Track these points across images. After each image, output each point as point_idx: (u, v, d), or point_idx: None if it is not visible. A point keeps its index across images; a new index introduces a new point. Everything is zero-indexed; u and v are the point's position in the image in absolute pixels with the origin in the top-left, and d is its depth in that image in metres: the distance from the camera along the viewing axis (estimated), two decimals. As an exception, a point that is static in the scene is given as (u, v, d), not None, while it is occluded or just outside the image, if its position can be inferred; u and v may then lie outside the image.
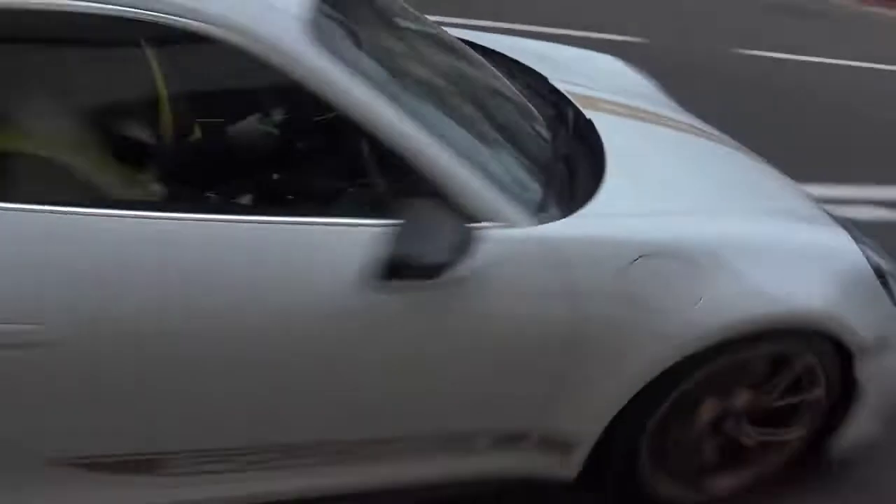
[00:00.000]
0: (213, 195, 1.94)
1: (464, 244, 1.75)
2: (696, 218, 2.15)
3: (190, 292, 1.68)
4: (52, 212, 1.63)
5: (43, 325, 1.61)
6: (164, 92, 2.01)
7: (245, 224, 1.73)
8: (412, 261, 1.72)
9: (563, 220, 1.95)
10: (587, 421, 2.13)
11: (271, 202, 1.98)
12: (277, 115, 2.20)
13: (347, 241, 1.77)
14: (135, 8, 1.69)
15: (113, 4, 1.69)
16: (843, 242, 2.34)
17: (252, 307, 1.72)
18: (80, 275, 1.63)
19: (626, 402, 2.09)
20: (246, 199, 2.00)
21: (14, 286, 1.60)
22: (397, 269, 1.73)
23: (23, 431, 1.74)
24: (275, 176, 2.04)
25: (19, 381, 1.65)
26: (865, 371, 2.34)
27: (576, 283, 1.94)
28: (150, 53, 2.00)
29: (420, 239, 1.73)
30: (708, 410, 2.31)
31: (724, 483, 2.44)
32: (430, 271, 1.74)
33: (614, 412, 2.10)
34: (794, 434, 2.42)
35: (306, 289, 1.75)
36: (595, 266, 1.93)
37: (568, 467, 2.20)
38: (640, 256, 1.98)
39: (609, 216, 2.01)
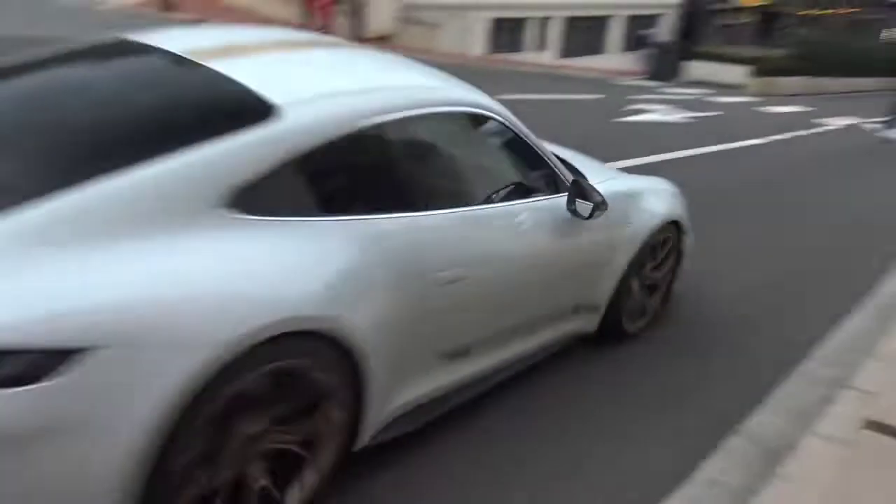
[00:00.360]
0: (494, 196, 3.60)
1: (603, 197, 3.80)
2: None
3: (501, 253, 3.41)
4: (478, 211, 3.40)
5: (467, 269, 3.18)
6: (473, 154, 3.73)
7: (513, 208, 3.55)
8: (603, 206, 3.69)
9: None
10: (605, 292, 4.27)
11: (520, 196, 3.67)
12: (510, 152, 3.82)
13: (559, 205, 3.73)
14: (461, 106, 3.41)
15: (449, 106, 3.34)
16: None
17: (536, 261, 3.62)
18: (478, 244, 3.29)
19: (617, 280, 4.27)
20: (507, 197, 3.62)
21: (461, 252, 3.18)
22: (598, 209, 3.72)
23: (437, 335, 3.14)
24: (516, 183, 3.76)
25: (452, 302, 3.12)
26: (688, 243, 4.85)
27: (610, 228, 4.08)
28: (466, 131, 3.59)
29: (596, 196, 3.70)
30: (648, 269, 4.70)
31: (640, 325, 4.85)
32: (605, 208, 3.76)
33: (614, 286, 4.26)
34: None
35: (552, 235, 3.70)
36: (610, 216, 4.17)
37: (594, 324, 4.37)
38: None
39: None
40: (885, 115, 16.86)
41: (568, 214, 3.83)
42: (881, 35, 42.52)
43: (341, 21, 20.04)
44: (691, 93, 21.15)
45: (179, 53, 3.11)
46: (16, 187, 2.36)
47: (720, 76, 27.74)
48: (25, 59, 3.20)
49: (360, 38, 19.22)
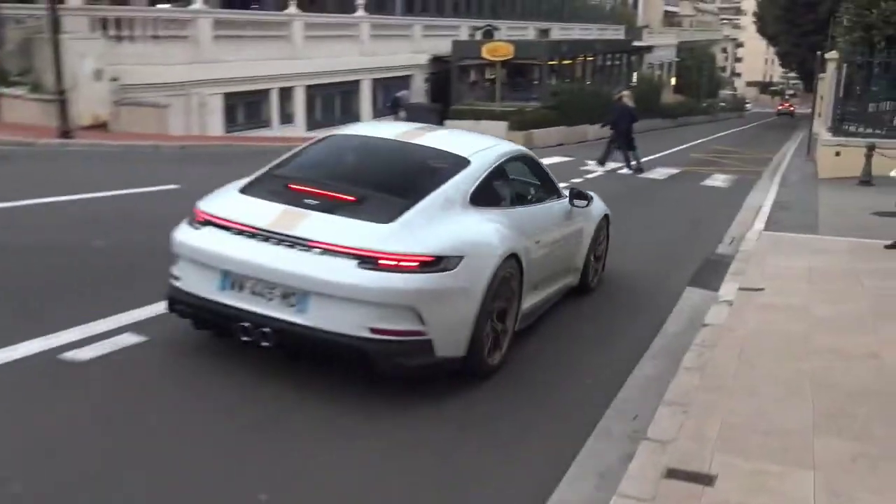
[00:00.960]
0: (538, 198, 7.74)
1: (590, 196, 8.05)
2: None
3: (549, 228, 7.44)
4: (537, 206, 7.71)
5: (539, 236, 7.08)
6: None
7: (547, 205, 7.70)
8: (591, 200, 8.09)
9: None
10: (581, 259, 8.34)
11: (547, 199, 7.72)
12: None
13: (566, 204, 7.94)
14: (516, 151, 7.73)
15: (514, 151, 7.66)
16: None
17: (558, 236, 7.60)
18: (541, 223, 7.28)
19: (586, 250, 8.37)
20: (541, 199, 7.68)
21: (536, 226, 7.11)
22: (589, 202, 8.07)
23: (538, 277, 7.07)
24: (544, 191, 7.93)
25: (536, 255, 6.90)
26: None
27: (584, 217, 8.21)
28: (521, 163, 7.80)
29: (588, 194, 8.01)
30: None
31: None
32: (590, 200, 8.03)
33: (584, 254, 8.33)
34: None
35: (563, 219, 7.80)
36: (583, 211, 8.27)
37: (577, 280, 8.38)
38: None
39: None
40: (620, 160, 21.00)
41: (570, 209, 8.04)
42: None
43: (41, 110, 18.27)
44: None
45: (395, 139, 7.12)
46: (396, 200, 6.09)
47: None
48: (318, 146, 7.27)
49: (68, 130, 17.25)
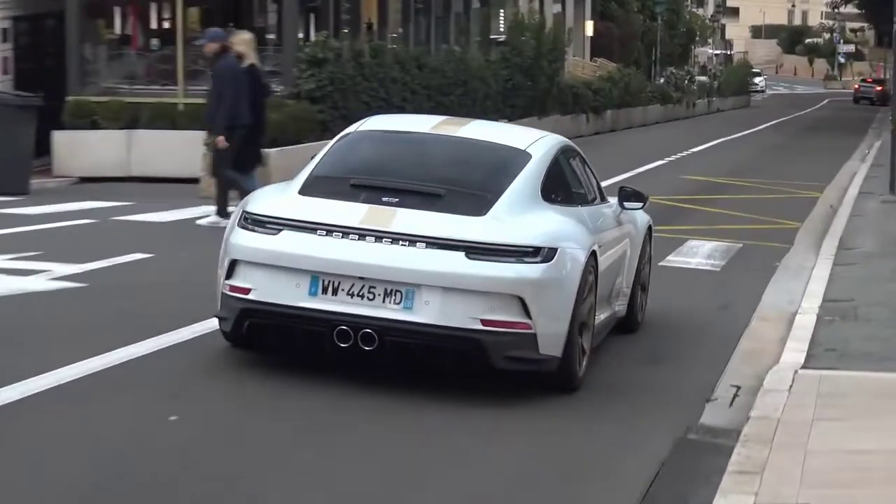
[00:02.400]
0: (591, 197, 8.01)
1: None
2: None
3: (607, 229, 7.70)
4: (595, 206, 8.06)
5: (600, 236, 7.26)
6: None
7: (603, 205, 8.04)
8: (644, 198, 8.26)
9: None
10: (630, 277, 8.50)
11: (600, 200, 8.11)
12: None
13: (614, 207, 8.13)
14: (566, 143, 8.40)
15: (564, 142, 8.32)
16: None
17: (614, 243, 7.72)
18: (602, 223, 7.63)
19: (635, 268, 8.46)
20: (593, 201, 7.96)
21: (597, 226, 7.42)
22: (641, 198, 8.21)
23: (603, 288, 7.24)
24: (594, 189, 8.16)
25: (602, 257, 7.17)
26: None
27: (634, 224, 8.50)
28: (570, 155, 8.23)
29: (640, 196, 8.30)
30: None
31: None
32: (645, 201, 8.29)
33: (634, 273, 8.57)
34: None
35: (618, 228, 8.03)
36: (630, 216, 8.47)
37: (624, 309, 8.31)
38: None
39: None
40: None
41: (619, 212, 7.99)
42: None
43: None
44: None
45: (441, 133, 7.50)
46: (477, 194, 6.47)
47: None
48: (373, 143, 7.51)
49: None
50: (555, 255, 6.27)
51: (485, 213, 6.41)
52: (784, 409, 5.91)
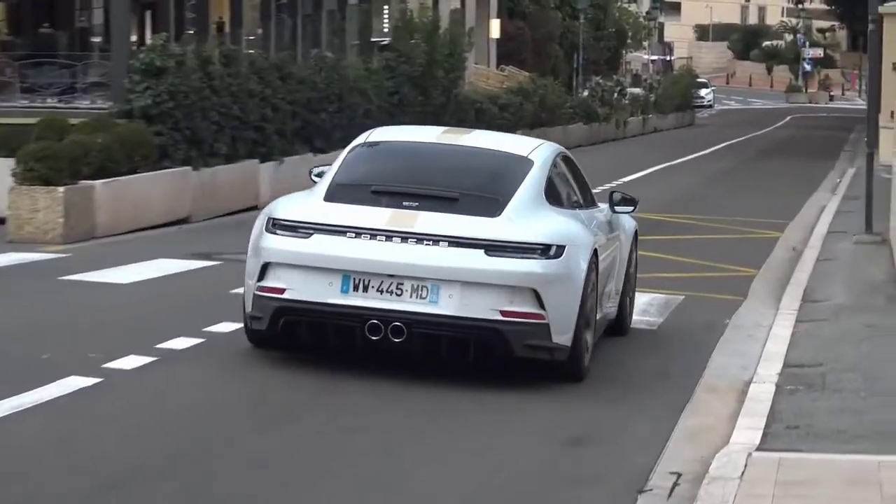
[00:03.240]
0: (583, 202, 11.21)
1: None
2: None
3: (603, 232, 10.75)
4: (590, 210, 11.36)
5: (597, 238, 10.15)
6: None
7: (596, 210, 11.21)
8: (635, 203, 11.39)
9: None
10: (620, 279, 11.48)
11: (591, 205, 11.37)
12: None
13: (606, 211, 11.21)
14: (561, 151, 11.76)
15: (560, 150, 11.96)
16: None
17: (607, 245, 10.62)
18: (599, 227, 10.63)
19: (625, 270, 11.54)
20: (587, 204, 11.22)
21: (596, 227, 10.47)
22: (632, 203, 11.31)
23: (600, 287, 10.16)
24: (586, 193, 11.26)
25: (602, 257, 10.18)
26: None
27: (623, 228, 11.69)
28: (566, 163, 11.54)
29: (630, 200, 11.44)
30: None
31: None
32: (635, 205, 11.43)
33: (624, 275, 11.60)
34: None
35: (610, 232, 11.07)
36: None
37: (615, 310, 11.27)
38: None
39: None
40: None
41: (611, 216, 10.73)
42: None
43: None
44: None
45: (447, 143, 10.64)
46: (489, 198, 9.34)
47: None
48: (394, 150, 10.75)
49: None
50: (563, 251, 8.82)
51: (499, 215, 9.00)
52: (735, 500, 6.01)
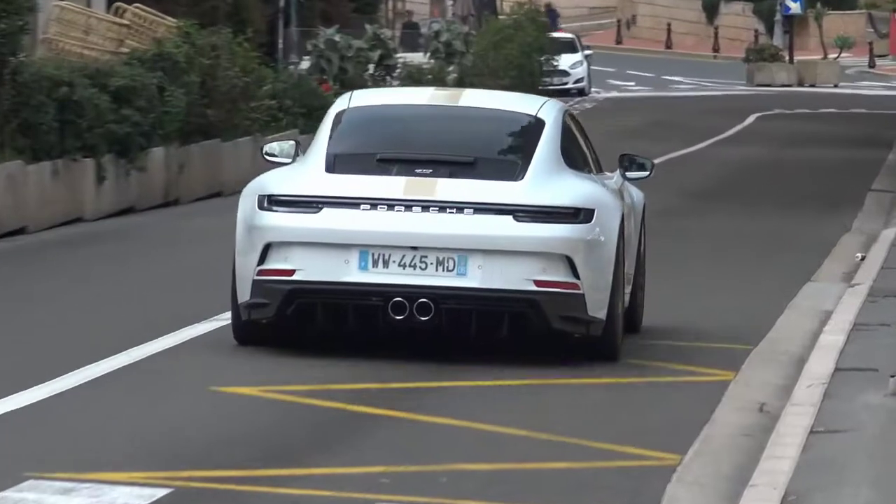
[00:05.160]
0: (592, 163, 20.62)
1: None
2: None
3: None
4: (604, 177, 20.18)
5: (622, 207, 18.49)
6: None
7: (611, 176, 19.61)
8: (649, 166, 20.27)
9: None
10: (632, 264, 19.75)
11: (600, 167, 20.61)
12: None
13: (616, 176, 19.53)
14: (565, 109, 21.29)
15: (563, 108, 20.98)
16: None
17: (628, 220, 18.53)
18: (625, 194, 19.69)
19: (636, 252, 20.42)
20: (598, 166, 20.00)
21: (624, 194, 19.12)
22: (645, 167, 19.91)
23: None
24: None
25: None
26: None
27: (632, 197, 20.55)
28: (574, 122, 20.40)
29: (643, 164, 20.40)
30: None
31: None
32: (650, 170, 20.52)
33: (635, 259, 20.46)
34: None
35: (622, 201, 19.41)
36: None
37: (626, 298, 19.44)
38: None
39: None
40: None
41: (621, 182, 17.99)
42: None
43: None
44: None
45: (444, 103, 18.29)
46: (507, 160, 16.63)
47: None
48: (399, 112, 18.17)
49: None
50: (593, 216, 15.11)
51: (521, 178, 15.23)
52: None
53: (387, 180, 13.60)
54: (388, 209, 13.16)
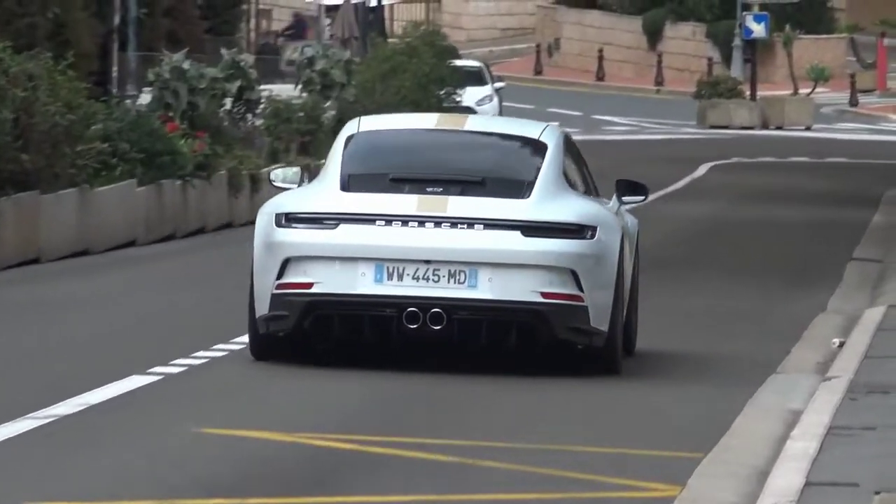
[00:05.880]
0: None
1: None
2: None
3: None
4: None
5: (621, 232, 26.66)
6: None
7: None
8: (645, 191, 29.42)
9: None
10: (627, 288, 27.63)
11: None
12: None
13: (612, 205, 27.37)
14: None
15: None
16: None
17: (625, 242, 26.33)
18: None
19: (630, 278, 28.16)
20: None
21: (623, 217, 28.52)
22: (642, 191, 28.50)
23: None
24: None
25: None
26: None
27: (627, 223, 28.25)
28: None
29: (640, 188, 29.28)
30: None
31: None
32: (646, 195, 29.95)
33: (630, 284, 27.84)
34: None
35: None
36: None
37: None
38: None
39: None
40: None
41: (617, 207, 25.03)
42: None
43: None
44: None
45: (444, 128, 26.00)
46: (514, 180, 22.69)
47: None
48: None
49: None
50: (596, 232, 20.90)
51: (528, 196, 20.98)
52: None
53: (400, 198, 18.64)
54: (402, 225, 18.24)
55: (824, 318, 35.28)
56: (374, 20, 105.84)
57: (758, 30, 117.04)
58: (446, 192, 18.84)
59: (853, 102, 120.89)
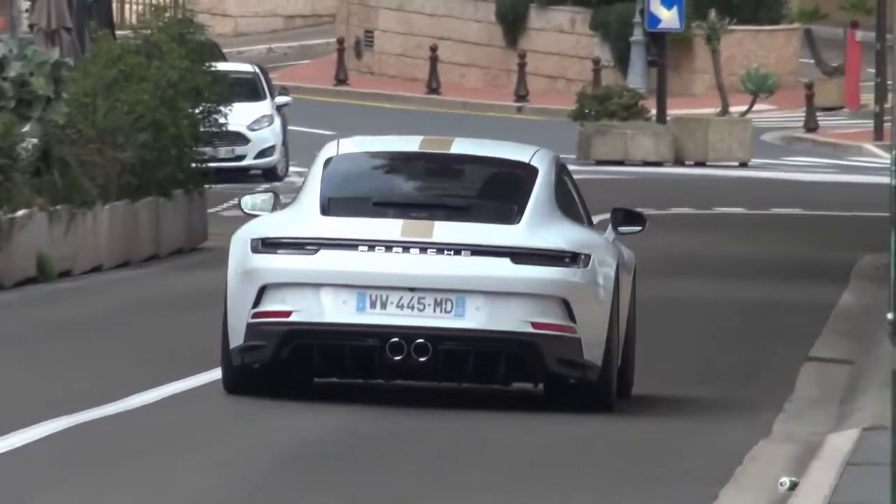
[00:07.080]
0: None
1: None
2: None
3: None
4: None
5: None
6: None
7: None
8: (643, 221, 42.31)
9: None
10: (624, 323, 40.16)
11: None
12: None
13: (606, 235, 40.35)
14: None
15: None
16: None
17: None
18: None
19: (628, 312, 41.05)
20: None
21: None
22: (640, 221, 41.50)
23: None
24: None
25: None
26: None
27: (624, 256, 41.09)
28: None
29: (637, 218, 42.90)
30: None
31: None
32: (644, 224, 42.50)
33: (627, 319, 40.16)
34: None
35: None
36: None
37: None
38: None
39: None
40: None
41: (612, 237, 37.43)
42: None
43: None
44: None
45: (428, 151, 37.07)
46: (503, 205, 34.64)
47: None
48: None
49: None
50: (590, 260, 30.81)
51: (518, 222, 30.60)
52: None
53: (384, 223, 24.00)
54: (385, 251, 23.34)
55: (767, 448, 33.68)
56: (95, 4, 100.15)
57: (668, 17, 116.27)
58: (432, 217, 24.22)
59: (810, 126, 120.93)
